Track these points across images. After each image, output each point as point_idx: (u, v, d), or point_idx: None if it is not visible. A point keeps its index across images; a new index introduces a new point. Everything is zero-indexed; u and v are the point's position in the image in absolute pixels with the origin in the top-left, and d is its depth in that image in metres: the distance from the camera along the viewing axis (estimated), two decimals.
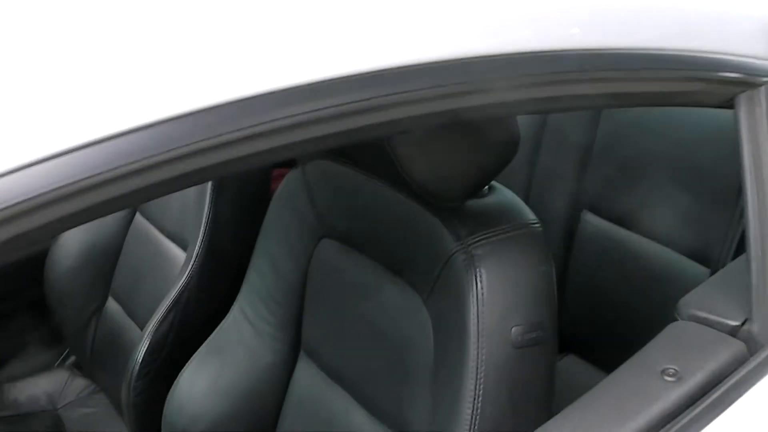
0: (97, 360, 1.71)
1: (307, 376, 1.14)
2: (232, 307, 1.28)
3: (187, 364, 1.29)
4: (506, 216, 0.99)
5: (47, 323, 1.83)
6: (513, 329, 0.95)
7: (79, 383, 1.79)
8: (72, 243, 1.70)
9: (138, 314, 1.58)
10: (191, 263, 1.41)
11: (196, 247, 1.41)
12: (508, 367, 0.92)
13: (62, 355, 1.92)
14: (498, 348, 0.92)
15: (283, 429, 1.20)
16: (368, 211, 1.05)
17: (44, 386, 1.78)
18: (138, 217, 1.67)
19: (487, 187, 1.02)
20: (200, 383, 1.21)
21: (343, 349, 1.10)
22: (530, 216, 1.00)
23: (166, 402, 1.28)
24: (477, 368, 0.94)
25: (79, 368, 1.84)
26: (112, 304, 1.69)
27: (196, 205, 1.44)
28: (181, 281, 1.41)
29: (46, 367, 1.88)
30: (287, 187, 1.17)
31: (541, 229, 0.99)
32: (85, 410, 1.72)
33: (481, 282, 0.92)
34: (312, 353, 1.15)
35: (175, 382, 1.28)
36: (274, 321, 1.21)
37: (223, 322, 1.29)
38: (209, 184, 1.43)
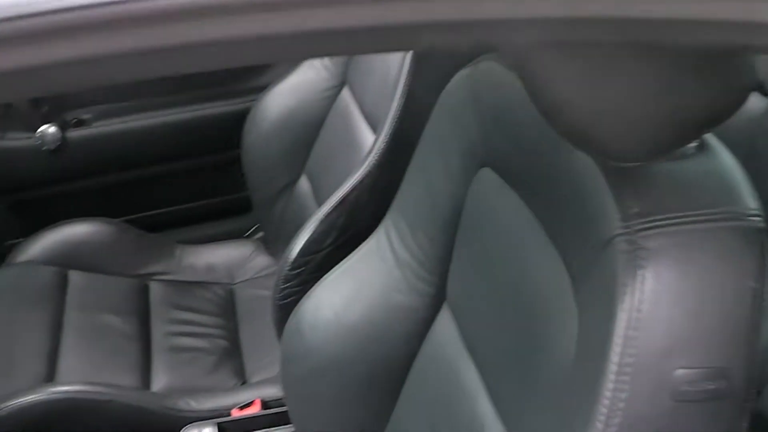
0: (281, 241, 1.67)
1: (445, 333, 1.06)
2: (380, 226, 1.16)
3: (316, 285, 1.27)
4: (710, 194, 0.75)
5: (241, 189, 1.90)
6: (678, 372, 0.71)
7: (262, 261, 1.84)
8: (273, 106, 1.73)
9: (324, 200, 1.51)
10: (371, 157, 1.33)
11: (381, 138, 1.33)
12: (660, 426, 0.73)
13: (252, 227, 1.99)
14: (648, 395, 0.72)
15: (409, 391, 1.11)
16: (534, 144, 0.88)
17: (226, 257, 1.87)
18: (345, 90, 1.64)
19: (696, 142, 0.77)
20: (326, 310, 1.15)
21: (483, 315, 0.99)
22: (749, 202, 0.75)
23: (288, 322, 1.28)
24: (608, 415, 0.78)
25: (266, 245, 1.88)
26: (303, 183, 1.68)
27: (393, 84, 1.34)
28: (356, 176, 1.34)
29: (233, 237, 1.96)
30: (452, 91, 1.04)
31: (763, 224, 0.75)
32: (259, 292, 1.74)
33: (642, 291, 0.72)
34: (455, 308, 1.05)
35: (301, 302, 1.28)
36: (421, 257, 1.06)
37: (366, 242, 1.17)
38: (408, 59, 1.32)
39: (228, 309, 1.80)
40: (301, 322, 1.19)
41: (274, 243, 1.78)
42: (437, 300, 1.09)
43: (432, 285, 1.08)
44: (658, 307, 0.72)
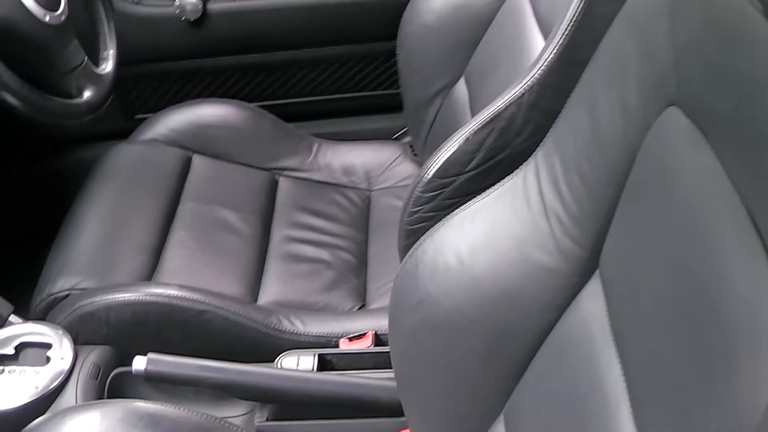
0: (429, 149, 1.52)
1: (589, 311, 0.84)
2: (530, 159, 0.99)
3: (442, 222, 1.04)
4: None
5: (392, 86, 1.73)
6: None
7: (407, 168, 1.68)
8: None
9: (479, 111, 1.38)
10: (535, 70, 1.10)
11: (550, 49, 1.10)
12: None
13: (400, 130, 1.80)
14: None
15: (535, 371, 0.91)
16: (762, 85, 0.64)
17: (367, 159, 1.71)
18: None
19: None
20: (449, 254, 0.96)
21: (643, 299, 0.76)
22: None
23: (403, 262, 1.07)
24: None
25: (414, 151, 1.70)
26: (461, 88, 1.48)
27: None
28: (514, 91, 1.12)
29: (378, 138, 1.79)
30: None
31: None
32: (398, 203, 1.56)
33: None
34: (607, 283, 0.83)
35: (421, 240, 1.06)
36: (575, 209, 0.87)
37: (511, 176, 1.01)
38: None
39: (361, 218, 1.62)
40: (419, 265, 0.99)
41: (423, 150, 1.58)
42: (587, 267, 0.85)
43: (583, 248, 0.85)
44: None
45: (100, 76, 1.56)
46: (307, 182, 1.69)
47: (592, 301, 0.84)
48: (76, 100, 1.52)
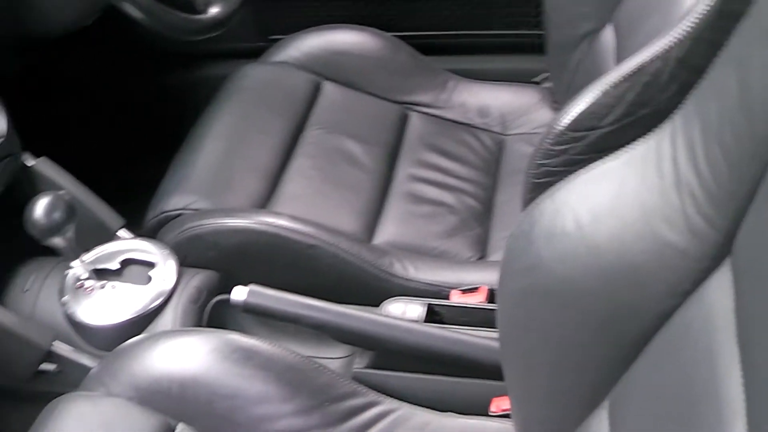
0: (570, 97, 1.45)
1: (716, 303, 0.75)
2: (666, 122, 0.89)
3: (563, 183, 0.96)
4: None
5: (535, 26, 1.63)
6: None
7: (545, 115, 1.58)
8: None
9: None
10: (686, 22, 0.98)
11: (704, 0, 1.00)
12: None
13: (541, 73, 1.69)
14: None
15: (649, 359, 0.87)
16: None
17: (504, 101, 1.64)
18: None
19: None
20: (568, 218, 0.88)
21: None
22: None
23: (519, 221, 1.00)
24: None
25: (554, 97, 1.60)
26: (608, 34, 1.36)
27: None
28: (662, 43, 1.01)
29: (517, 80, 1.69)
30: None
31: None
32: (529, 150, 1.53)
33: None
34: (739, 273, 0.74)
35: (539, 200, 0.98)
36: (711, 185, 0.76)
37: (644, 139, 0.91)
38: None
39: (491, 163, 1.55)
40: (534, 226, 0.92)
41: (563, 97, 1.48)
42: (719, 252, 0.76)
43: (717, 229, 0.76)
44: None
45: None
46: (439, 120, 1.62)
47: (719, 292, 0.75)
48: (202, 16, 1.49)
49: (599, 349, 0.88)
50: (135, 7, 1.38)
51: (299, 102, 1.60)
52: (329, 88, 1.64)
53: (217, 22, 1.51)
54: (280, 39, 1.74)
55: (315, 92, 1.63)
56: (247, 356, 1.13)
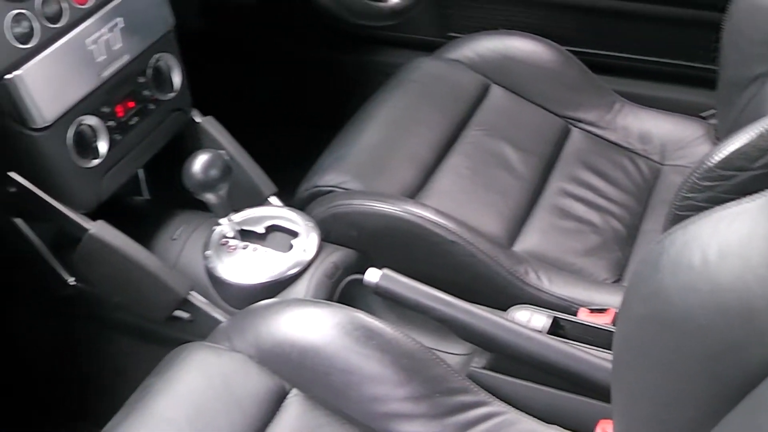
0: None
1: None
2: None
3: (700, 216, 0.95)
4: None
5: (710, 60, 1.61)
6: None
7: (704, 151, 1.55)
8: None
9: None
10: None
11: None
12: None
13: (709, 109, 1.67)
14: None
15: (749, 405, 0.86)
16: None
17: (667, 131, 1.64)
18: None
19: None
20: (694, 251, 0.88)
21: None
22: None
23: (650, 247, 1.00)
24: None
25: (717, 134, 1.58)
26: None
27: None
28: None
29: (683, 111, 1.68)
30: None
31: None
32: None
33: None
34: None
35: (672, 230, 0.97)
36: None
37: None
38: None
39: (644, 190, 1.55)
40: (662, 255, 0.93)
41: (726, 135, 1.47)
42: None
43: None
44: None
45: None
46: (599, 140, 1.63)
47: None
48: (383, 4, 1.55)
49: (704, 386, 0.89)
50: None
51: (465, 101, 1.64)
52: (496, 92, 1.67)
53: (396, 12, 1.57)
54: (457, 37, 1.78)
55: (482, 94, 1.66)
56: (368, 336, 1.17)
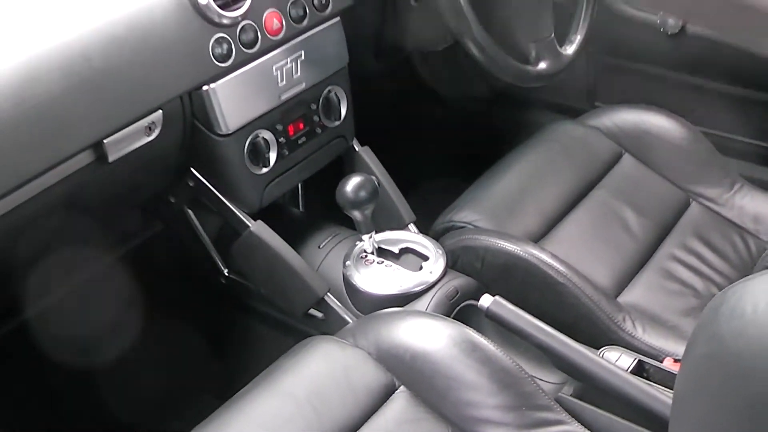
0: None
1: None
2: None
3: (758, 274, 1.08)
4: None
5: None
6: None
7: None
8: None
9: None
10: None
11: None
12: None
13: None
14: None
15: None
16: None
17: None
18: None
19: None
20: (748, 301, 1.01)
21: None
22: None
23: (713, 298, 1.07)
24: None
25: None
26: None
27: None
28: None
29: None
30: None
31: None
32: None
33: None
34: None
35: (734, 284, 1.04)
36: None
37: None
38: None
39: (747, 265, 1.70)
40: (723, 303, 1.09)
41: None
42: None
43: None
44: None
45: (559, 54, 1.79)
46: (716, 215, 1.78)
47: None
48: (530, 67, 1.76)
49: (746, 425, 1.05)
50: (476, 47, 1.66)
51: (598, 164, 1.82)
52: (627, 161, 1.85)
53: (541, 77, 1.77)
54: (600, 107, 1.98)
55: (614, 160, 1.84)
56: (472, 349, 1.35)
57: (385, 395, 1.33)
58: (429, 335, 1.38)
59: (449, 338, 1.36)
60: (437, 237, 1.69)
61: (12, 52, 1.25)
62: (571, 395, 1.43)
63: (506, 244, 1.59)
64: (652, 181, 1.81)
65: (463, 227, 1.68)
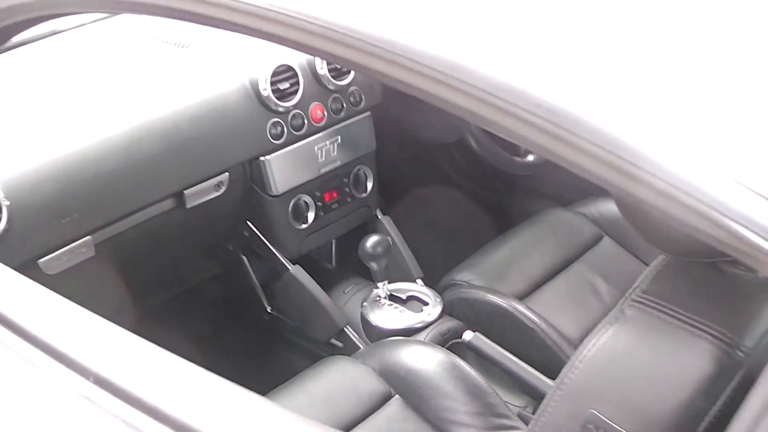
0: None
1: None
2: None
3: None
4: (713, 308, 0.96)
5: None
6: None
7: None
8: None
9: None
10: None
11: None
12: None
13: None
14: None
15: None
16: None
17: None
18: None
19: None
20: None
21: None
22: (747, 339, 0.97)
23: None
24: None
25: None
26: None
27: None
28: None
29: None
30: None
31: (741, 360, 0.95)
32: None
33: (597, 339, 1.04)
34: None
35: None
36: None
37: None
38: None
39: None
40: None
41: None
42: None
43: None
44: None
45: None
46: None
47: None
48: (519, 159, 2.27)
49: None
50: (475, 141, 2.19)
51: (580, 244, 2.24)
52: (607, 243, 2.26)
53: (529, 166, 2.28)
54: (591, 197, 2.41)
55: (595, 242, 2.26)
56: (453, 368, 1.74)
57: (383, 401, 1.74)
58: (421, 357, 1.81)
59: (436, 360, 1.79)
60: (441, 290, 2.15)
61: (125, 120, 1.78)
62: (531, 413, 1.86)
63: (492, 297, 2.04)
64: (626, 260, 2.23)
65: (461, 284, 2.15)
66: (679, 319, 0.97)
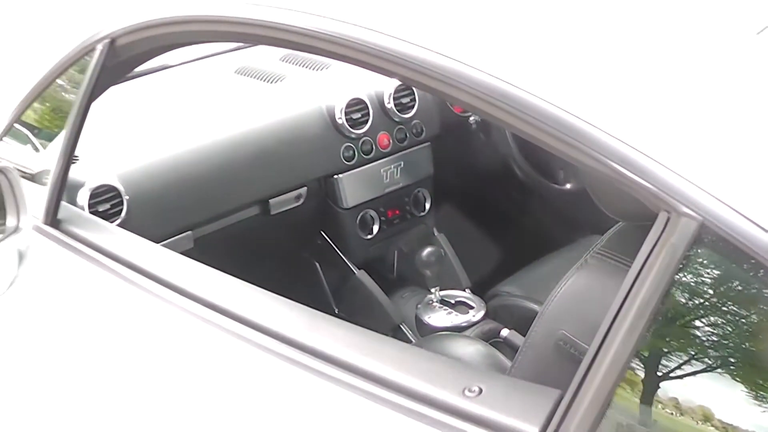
0: None
1: None
2: None
3: None
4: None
5: None
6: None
7: None
8: None
9: None
10: None
11: None
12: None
13: None
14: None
15: None
16: None
17: None
18: None
19: None
20: None
21: None
22: None
23: None
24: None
25: None
26: None
27: None
28: None
29: None
30: None
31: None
32: None
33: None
34: None
35: None
36: None
37: None
38: None
39: None
40: None
41: None
42: None
43: None
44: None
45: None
46: None
47: None
48: (559, 186, 2.66)
49: None
50: (519, 170, 2.60)
51: None
52: None
53: (568, 193, 2.68)
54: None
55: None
56: (489, 356, 2.17)
57: None
58: (464, 346, 2.19)
59: (474, 346, 2.17)
60: (487, 300, 2.55)
61: (224, 131, 2.23)
62: None
63: (530, 303, 2.43)
64: None
65: (504, 294, 2.53)
66: (625, 264, 1.35)
